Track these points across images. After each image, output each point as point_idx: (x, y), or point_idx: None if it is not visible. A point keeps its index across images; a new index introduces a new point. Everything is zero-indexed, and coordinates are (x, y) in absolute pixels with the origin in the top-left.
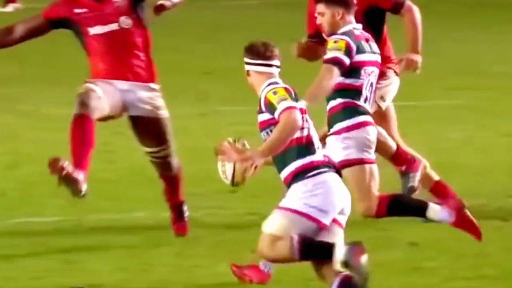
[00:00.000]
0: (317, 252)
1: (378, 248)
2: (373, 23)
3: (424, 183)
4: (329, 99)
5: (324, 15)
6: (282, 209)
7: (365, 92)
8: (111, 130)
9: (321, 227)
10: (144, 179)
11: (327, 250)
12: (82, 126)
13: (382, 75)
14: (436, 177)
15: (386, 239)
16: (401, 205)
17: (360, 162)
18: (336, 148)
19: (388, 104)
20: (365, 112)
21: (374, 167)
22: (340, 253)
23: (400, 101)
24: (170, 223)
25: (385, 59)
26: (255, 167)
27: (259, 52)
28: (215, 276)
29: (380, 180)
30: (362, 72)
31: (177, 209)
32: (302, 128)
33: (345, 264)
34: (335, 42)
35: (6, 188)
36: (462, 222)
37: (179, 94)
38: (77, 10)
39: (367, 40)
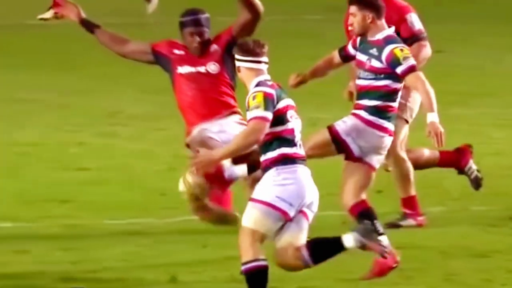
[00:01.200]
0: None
1: None
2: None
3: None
4: (367, 97)
5: (355, 16)
6: (256, 201)
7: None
8: None
9: (287, 219)
10: None
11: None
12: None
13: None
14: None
15: None
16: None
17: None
18: (352, 123)
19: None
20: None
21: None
22: None
23: None
24: None
25: None
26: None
27: (249, 49)
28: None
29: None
30: None
31: None
32: (287, 122)
33: None
34: (401, 50)
35: (166, 189)
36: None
37: (335, 102)
38: (175, 51)
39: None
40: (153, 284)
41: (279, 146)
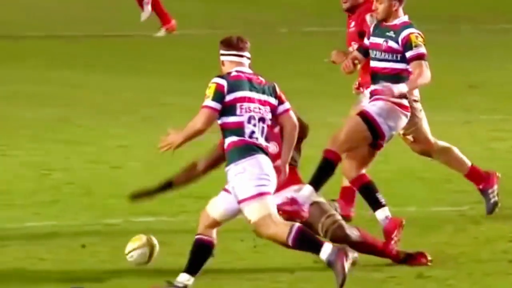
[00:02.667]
0: (307, 245)
1: None
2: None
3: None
4: (386, 80)
5: (382, 2)
6: (245, 200)
7: None
8: None
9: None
10: (414, 178)
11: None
12: None
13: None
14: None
15: None
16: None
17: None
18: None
19: None
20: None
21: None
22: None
23: None
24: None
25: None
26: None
27: (232, 44)
28: (479, 263)
29: None
30: None
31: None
32: (237, 114)
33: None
34: (417, 37)
35: None
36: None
37: (448, 105)
38: None
39: None
40: (280, 273)
41: (230, 135)
